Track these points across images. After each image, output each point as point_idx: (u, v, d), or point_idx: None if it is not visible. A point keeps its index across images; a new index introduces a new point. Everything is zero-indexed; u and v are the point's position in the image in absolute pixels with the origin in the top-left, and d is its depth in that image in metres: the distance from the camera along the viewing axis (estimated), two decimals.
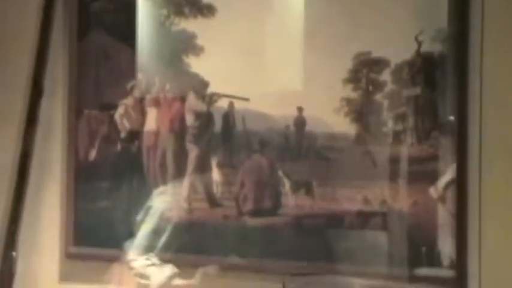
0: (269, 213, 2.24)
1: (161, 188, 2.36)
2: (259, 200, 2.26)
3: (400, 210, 2.12)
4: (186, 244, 2.32)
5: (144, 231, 2.35)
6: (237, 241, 2.26)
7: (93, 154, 2.43)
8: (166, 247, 2.33)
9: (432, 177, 2.09)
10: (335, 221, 2.17)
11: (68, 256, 2.44)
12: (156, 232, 2.34)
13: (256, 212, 2.25)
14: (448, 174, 2.08)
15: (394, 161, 2.13)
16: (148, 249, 2.34)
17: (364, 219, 2.15)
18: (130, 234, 2.37)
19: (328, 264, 2.16)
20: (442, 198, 2.09)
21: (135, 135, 2.40)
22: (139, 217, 2.36)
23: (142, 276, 2.31)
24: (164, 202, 2.36)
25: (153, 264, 2.32)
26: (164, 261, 2.31)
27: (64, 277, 2.45)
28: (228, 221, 2.28)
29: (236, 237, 2.26)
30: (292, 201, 2.22)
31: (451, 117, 2.07)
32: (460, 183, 2.08)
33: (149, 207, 2.37)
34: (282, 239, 2.22)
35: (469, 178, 2.08)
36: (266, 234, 2.24)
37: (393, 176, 2.12)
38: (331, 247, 2.17)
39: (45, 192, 2.48)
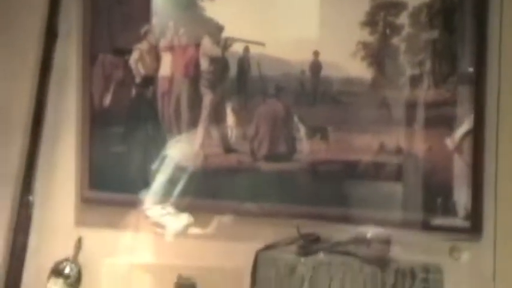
0: (284, 158, 2.23)
1: (176, 137, 2.36)
2: (274, 145, 2.24)
3: (415, 156, 2.10)
4: (201, 190, 2.32)
5: (159, 180, 2.35)
6: (252, 186, 2.26)
7: (108, 99, 2.43)
8: (182, 194, 2.33)
9: (449, 123, 2.07)
10: (350, 166, 2.15)
11: (84, 200, 2.45)
12: (172, 181, 2.34)
13: (271, 157, 2.24)
14: (465, 125, 2.05)
15: (411, 105, 2.10)
16: (164, 198, 2.34)
17: (379, 165, 2.14)
18: (146, 182, 2.37)
19: (342, 209, 2.15)
20: (459, 149, 2.06)
21: (149, 80, 2.39)
22: (154, 166, 2.36)
23: (158, 225, 2.32)
24: (179, 151, 2.35)
25: (169, 214, 2.32)
26: (180, 209, 2.32)
27: (80, 221, 2.47)
28: (243, 166, 2.27)
29: (251, 183, 2.26)
30: (307, 147, 2.21)
31: (470, 69, 2.03)
32: (477, 133, 2.05)
33: (164, 157, 2.36)
34: (297, 184, 2.21)
35: (486, 128, 2.05)
36: (281, 180, 2.23)
37: (409, 121, 2.10)
38: (346, 193, 2.16)
39: (61, 137, 2.48)
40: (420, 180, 2.12)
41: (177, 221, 2.31)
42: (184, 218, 2.31)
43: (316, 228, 2.10)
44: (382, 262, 1.92)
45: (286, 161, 2.23)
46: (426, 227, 2.10)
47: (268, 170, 2.25)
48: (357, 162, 2.15)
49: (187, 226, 2.31)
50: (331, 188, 2.18)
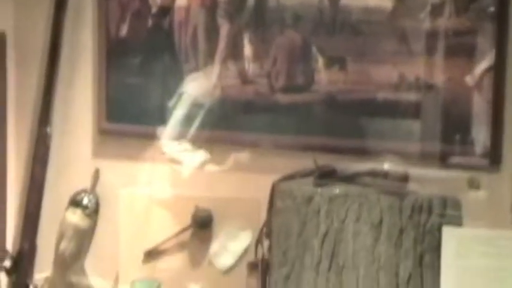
0: (301, 89, 2.20)
1: (193, 73, 2.33)
2: (292, 76, 2.22)
3: (435, 88, 2.07)
4: (218, 122, 2.31)
5: (176, 117, 2.34)
6: (269, 118, 2.24)
7: (124, 30, 2.41)
8: (198, 127, 2.31)
9: (469, 54, 2.02)
10: (368, 97, 2.12)
11: (101, 132, 2.45)
12: (188, 117, 2.33)
13: (289, 89, 2.22)
14: (486, 61, 2.01)
15: (431, 34, 2.05)
16: (181, 133, 2.33)
17: (398, 96, 2.11)
18: (163, 114, 2.36)
19: (359, 142, 2.14)
20: (479, 86, 2.03)
21: (166, 10, 2.35)
22: (171, 103, 2.35)
23: (175, 161, 2.32)
24: (196, 86, 2.33)
25: (185, 150, 2.32)
26: (196, 144, 2.31)
27: (97, 153, 2.48)
28: (260, 98, 2.25)
29: (268, 114, 2.24)
30: (325, 78, 2.18)
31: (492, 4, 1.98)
32: (498, 70, 2.00)
33: (182, 93, 2.34)
34: (314, 116, 2.19)
35: (507, 65, 2.00)
36: (298, 111, 2.21)
37: (429, 51, 2.05)
38: (364, 125, 2.15)
39: (77, 68, 2.48)
40: (439, 116, 2.09)
41: (193, 157, 2.31)
42: (201, 155, 2.31)
43: (333, 160, 2.08)
44: (399, 194, 1.91)
45: (303, 92, 2.20)
46: (444, 164, 2.07)
47: (285, 102, 2.23)
48: (376, 93, 2.11)
49: (203, 163, 2.31)
50: (349, 120, 2.16)
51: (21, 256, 2.46)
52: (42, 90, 2.45)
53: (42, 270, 2.50)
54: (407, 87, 2.09)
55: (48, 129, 2.45)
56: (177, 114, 2.35)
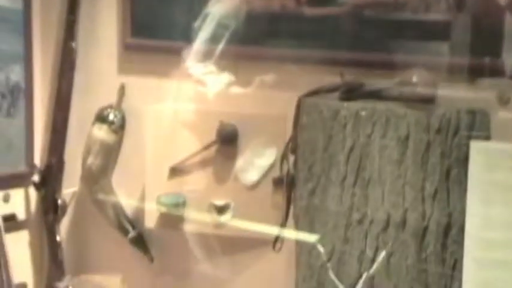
0: (328, 2, 2.16)
1: None
2: None
3: (466, 4, 2.02)
4: (243, 37, 2.27)
5: (201, 37, 2.31)
6: (295, 32, 2.21)
7: None
8: (224, 44, 2.28)
9: None
10: (398, 8, 2.08)
11: (126, 47, 2.44)
12: (214, 36, 2.29)
13: (315, 1, 2.18)
14: None
15: None
16: (206, 53, 2.30)
17: (428, 12, 2.06)
18: (188, 30, 2.33)
19: (387, 56, 2.09)
20: (510, 6, 1.97)
21: None
22: (197, 23, 2.31)
23: (200, 83, 2.31)
24: (222, 7, 2.29)
25: (211, 72, 2.30)
26: (221, 67, 2.28)
27: (123, 69, 2.47)
28: (286, 11, 2.21)
29: (294, 28, 2.21)
30: None
31: None
32: None
33: (207, 14, 2.31)
34: (342, 29, 2.15)
35: None
36: (325, 25, 2.16)
37: None
38: (392, 38, 2.10)
39: None
40: (469, 35, 2.04)
41: (218, 79, 2.29)
42: (226, 77, 2.29)
43: (361, 75, 2.05)
44: (427, 109, 1.88)
45: (330, 4, 2.16)
46: (473, 84, 2.03)
47: (312, 15, 2.18)
48: (405, 5, 2.07)
49: (228, 85, 2.29)
50: (377, 34, 2.12)
51: (49, 171, 2.48)
52: (67, 5, 2.43)
53: (70, 186, 2.53)
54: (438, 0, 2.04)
55: (74, 44, 2.43)
56: (202, 35, 2.31)
